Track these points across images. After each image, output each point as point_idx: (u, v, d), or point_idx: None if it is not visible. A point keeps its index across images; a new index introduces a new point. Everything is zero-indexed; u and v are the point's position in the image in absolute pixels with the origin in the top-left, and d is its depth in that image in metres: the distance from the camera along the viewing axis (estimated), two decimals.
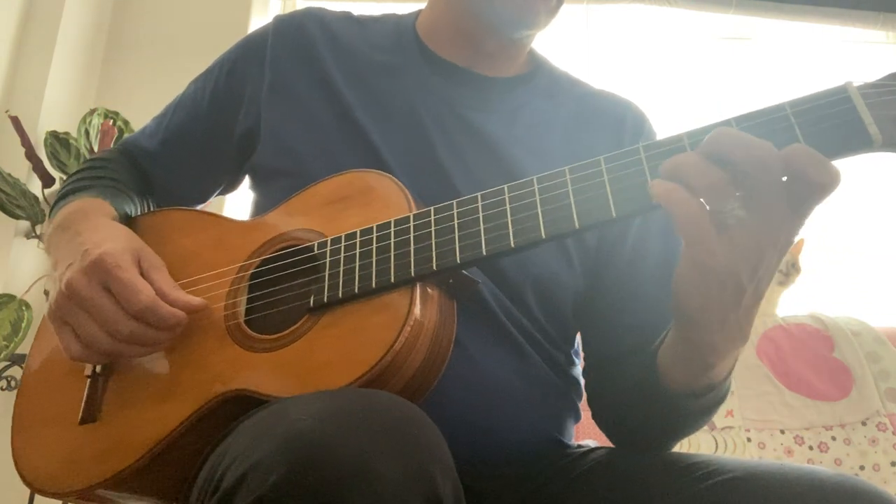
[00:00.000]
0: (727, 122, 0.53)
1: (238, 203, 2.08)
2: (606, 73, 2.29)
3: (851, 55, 2.39)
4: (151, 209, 0.89)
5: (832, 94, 0.51)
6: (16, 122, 1.89)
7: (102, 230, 0.71)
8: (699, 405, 0.65)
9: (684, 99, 2.34)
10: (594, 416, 0.81)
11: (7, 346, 1.72)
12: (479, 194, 0.61)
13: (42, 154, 1.96)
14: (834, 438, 1.67)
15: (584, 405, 0.82)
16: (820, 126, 0.50)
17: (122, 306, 0.63)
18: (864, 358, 1.76)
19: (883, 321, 1.90)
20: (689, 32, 2.43)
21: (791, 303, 1.97)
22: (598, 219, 0.55)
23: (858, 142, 0.49)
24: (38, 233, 1.94)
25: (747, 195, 0.50)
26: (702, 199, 0.50)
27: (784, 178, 0.49)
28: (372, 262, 0.62)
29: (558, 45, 2.28)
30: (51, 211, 0.84)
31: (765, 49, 2.43)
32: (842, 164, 0.50)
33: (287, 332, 0.63)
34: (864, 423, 1.68)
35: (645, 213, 0.54)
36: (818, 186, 0.48)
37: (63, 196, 0.82)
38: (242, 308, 0.67)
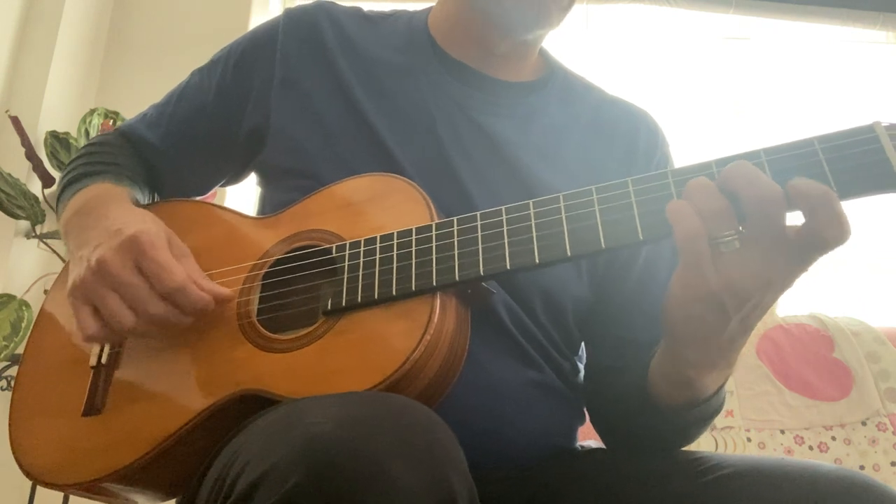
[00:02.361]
0: (756, 154, 0.54)
1: (239, 195, 2.08)
2: (606, 74, 2.29)
3: (851, 55, 2.39)
4: (155, 199, 0.87)
5: (860, 132, 0.51)
6: (16, 122, 1.89)
7: (130, 213, 0.70)
8: (684, 419, 0.66)
9: (684, 99, 2.34)
10: (591, 421, 0.82)
11: (7, 346, 1.72)
12: (503, 208, 0.61)
13: (42, 154, 1.96)
14: (834, 438, 1.67)
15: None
16: (847, 164, 0.51)
17: (152, 285, 0.63)
18: (864, 358, 1.76)
19: (883, 321, 1.91)
20: (689, 32, 2.43)
21: (791, 303, 1.97)
22: (624, 241, 0.55)
23: (884, 182, 0.50)
24: (38, 233, 1.94)
25: (747, 231, 0.51)
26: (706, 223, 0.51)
27: (788, 221, 0.50)
28: (392, 268, 0.61)
29: (558, 45, 2.28)
30: (59, 196, 0.82)
31: (764, 49, 2.43)
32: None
33: (302, 333, 0.62)
34: (864, 423, 1.68)
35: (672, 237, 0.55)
36: (830, 225, 0.49)
37: (73, 181, 0.81)
38: (255, 306, 0.67)
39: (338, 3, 0.88)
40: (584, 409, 0.81)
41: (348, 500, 0.40)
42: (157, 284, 0.63)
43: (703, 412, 0.65)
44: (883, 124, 0.51)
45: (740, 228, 0.51)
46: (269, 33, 0.85)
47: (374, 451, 0.42)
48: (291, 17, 0.85)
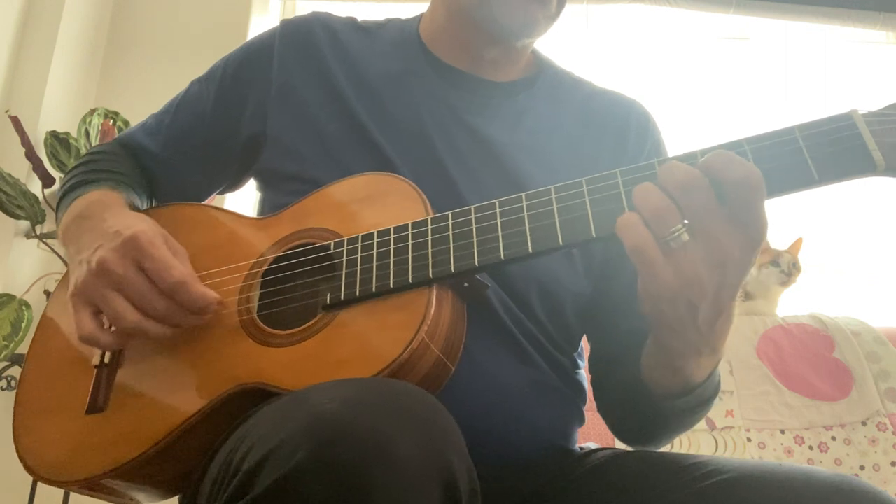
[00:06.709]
0: (738, 144, 0.55)
1: (238, 201, 2.08)
2: (606, 73, 2.29)
3: (851, 55, 2.39)
4: (153, 206, 0.88)
5: (838, 120, 0.54)
6: (16, 122, 1.88)
7: (127, 216, 0.72)
8: (679, 406, 0.67)
9: (684, 99, 2.34)
10: (599, 413, 0.83)
11: (7, 346, 1.72)
12: (496, 201, 0.62)
13: (42, 154, 1.95)
14: (834, 438, 1.67)
15: (587, 409, 0.83)
16: (827, 150, 0.53)
17: (153, 283, 0.63)
18: (864, 358, 1.76)
19: (883, 321, 1.91)
20: (689, 32, 2.43)
21: (791, 303, 1.97)
22: (612, 230, 0.56)
23: (863, 166, 0.52)
24: (38, 233, 1.93)
25: (689, 220, 0.52)
26: (651, 226, 0.52)
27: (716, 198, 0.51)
28: (389, 262, 0.63)
29: (558, 45, 2.28)
30: (59, 203, 0.83)
31: (764, 49, 2.43)
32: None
33: (302, 328, 0.63)
34: (864, 423, 1.68)
35: None
36: (737, 184, 0.50)
37: (72, 188, 0.82)
38: (255, 303, 0.68)
39: (333, 13, 0.90)
40: (583, 409, 0.81)
41: (353, 473, 0.41)
42: (159, 281, 0.63)
43: (697, 397, 0.66)
44: (860, 112, 0.53)
45: (685, 221, 0.52)
46: (266, 43, 0.87)
47: (377, 429, 0.43)
48: (288, 27, 0.87)
